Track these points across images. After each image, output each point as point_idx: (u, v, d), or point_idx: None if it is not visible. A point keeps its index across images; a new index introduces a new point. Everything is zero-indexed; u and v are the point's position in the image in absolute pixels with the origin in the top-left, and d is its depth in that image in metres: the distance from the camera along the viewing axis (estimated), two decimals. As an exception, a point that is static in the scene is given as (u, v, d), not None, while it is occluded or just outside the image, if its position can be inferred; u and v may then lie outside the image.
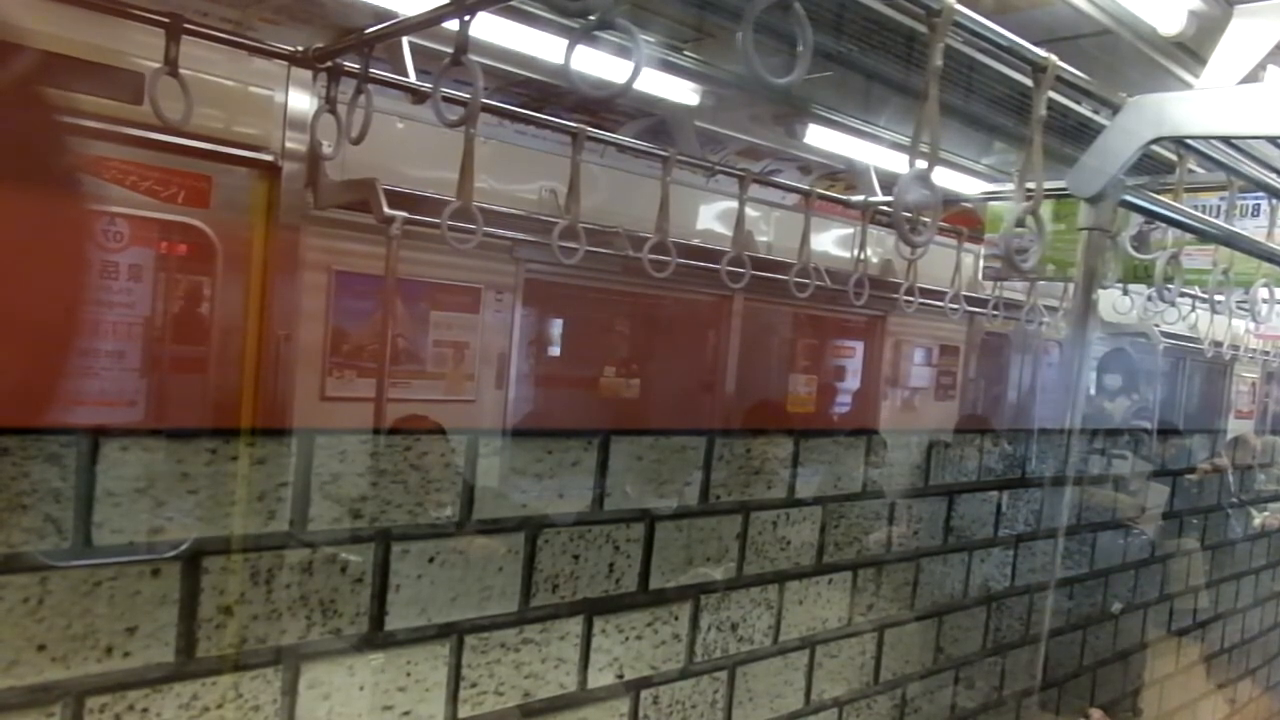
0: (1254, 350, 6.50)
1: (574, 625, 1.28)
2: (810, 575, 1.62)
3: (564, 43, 1.49)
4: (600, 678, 1.32)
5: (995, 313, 4.37)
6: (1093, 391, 5.57)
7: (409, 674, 1.12)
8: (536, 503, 1.22)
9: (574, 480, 1.25)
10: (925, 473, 1.85)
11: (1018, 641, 2.16)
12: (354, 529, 1.06)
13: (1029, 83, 1.73)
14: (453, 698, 1.16)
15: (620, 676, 1.34)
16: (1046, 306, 4.42)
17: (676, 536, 1.39)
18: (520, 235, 3.23)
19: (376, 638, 1.09)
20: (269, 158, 2.86)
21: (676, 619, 1.41)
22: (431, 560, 1.12)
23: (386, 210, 2.72)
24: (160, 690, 0.94)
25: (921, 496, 1.85)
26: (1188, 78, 3.33)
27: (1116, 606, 3.02)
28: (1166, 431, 5.52)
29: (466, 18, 1.89)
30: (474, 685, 1.18)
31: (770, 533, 1.53)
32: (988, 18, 1.57)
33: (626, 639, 1.34)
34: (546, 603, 1.24)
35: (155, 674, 0.93)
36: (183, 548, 0.94)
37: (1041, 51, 1.69)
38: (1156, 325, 5.13)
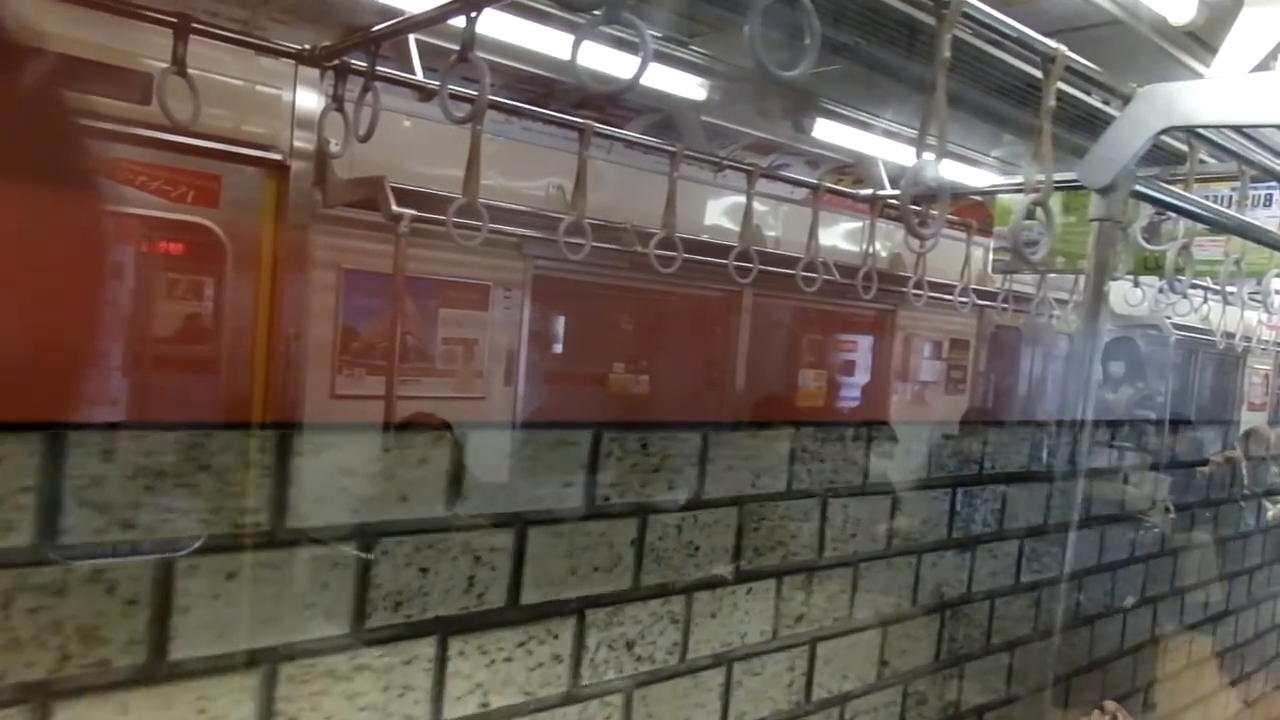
0: (1266, 342, 6.46)
1: (424, 648, 1.13)
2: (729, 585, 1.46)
3: (570, 38, 1.49)
4: (459, 707, 1.17)
5: (1005, 306, 4.35)
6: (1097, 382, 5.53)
7: (203, 710, 0.97)
8: (371, 507, 1.08)
9: (421, 480, 1.12)
10: (928, 466, 1.83)
11: (1028, 636, 2.14)
12: (122, 541, 0.91)
13: (1039, 74, 1.72)
14: (265, 735, 1.02)
15: (485, 705, 1.19)
16: (1057, 299, 4.41)
17: (556, 544, 1.24)
18: (527, 232, 3.23)
19: (158, 669, 0.94)
20: (277, 157, 2.87)
21: (556, 638, 1.26)
22: (231, 576, 0.98)
23: (395, 208, 2.72)
24: None
25: (924, 489, 1.83)
26: (1198, 67, 3.31)
27: (1128, 600, 3.00)
28: (1179, 423, 5.49)
29: (473, 14, 1.89)
30: (293, 721, 1.04)
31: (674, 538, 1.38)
32: (996, 9, 1.56)
33: (492, 662, 1.19)
34: (388, 623, 1.10)
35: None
36: None
37: (1051, 42, 1.68)
38: (1168, 317, 5.10)
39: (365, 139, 2.46)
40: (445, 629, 1.14)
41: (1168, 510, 3.48)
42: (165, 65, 2.28)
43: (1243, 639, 3.24)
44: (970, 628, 2.00)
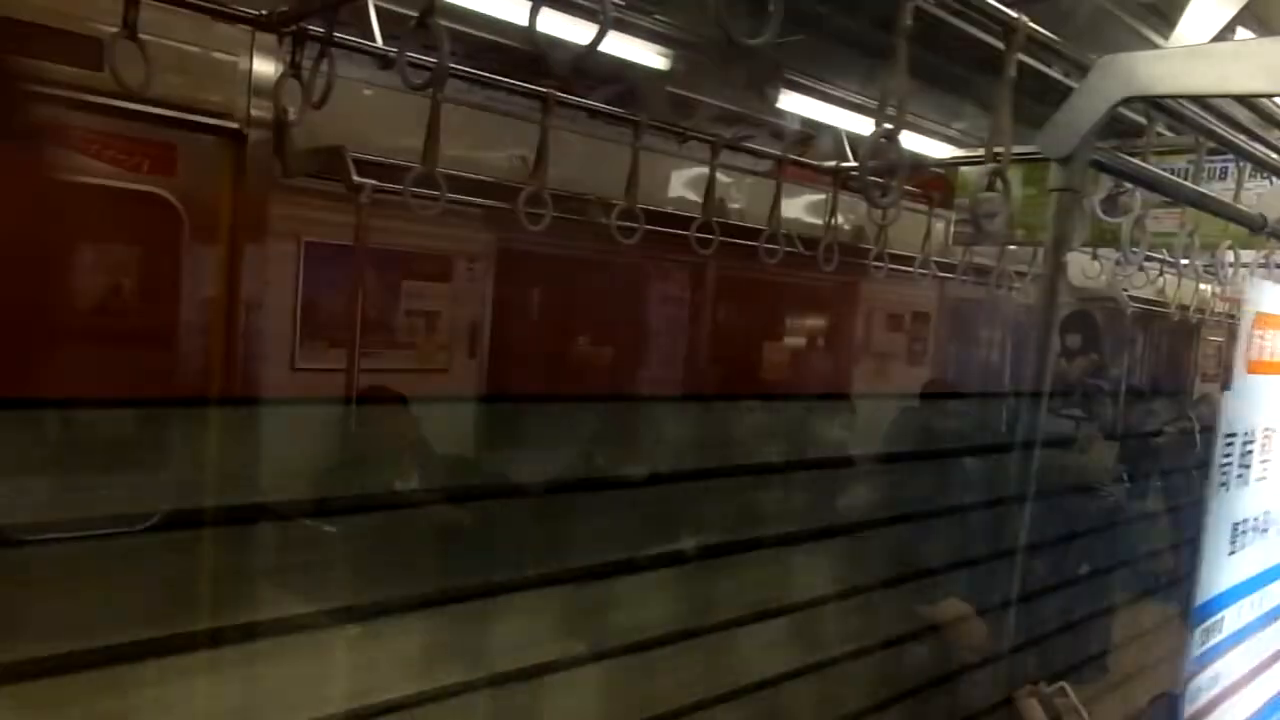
0: (1219, 314, 6.57)
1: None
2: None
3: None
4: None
5: (965, 278, 4.39)
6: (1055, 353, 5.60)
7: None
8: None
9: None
10: (888, 438, 1.84)
11: (985, 606, 2.16)
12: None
13: (1000, 44, 1.73)
14: None
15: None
16: (1017, 272, 4.44)
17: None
18: (488, 202, 3.20)
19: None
20: (234, 125, 2.81)
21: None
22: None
23: (355, 178, 2.68)
24: None
25: (886, 461, 1.85)
26: (1157, 39, 3.34)
27: (1083, 568, 3.06)
28: (1135, 395, 5.58)
29: (432, -21, 1.85)
30: None
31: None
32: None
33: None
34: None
35: None
36: None
37: (1011, 12, 1.69)
38: (1125, 290, 5.17)
39: (319, 106, 2.41)
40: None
41: (1122, 479, 3.55)
42: (116, 30, 2.21)
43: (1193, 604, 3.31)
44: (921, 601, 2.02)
